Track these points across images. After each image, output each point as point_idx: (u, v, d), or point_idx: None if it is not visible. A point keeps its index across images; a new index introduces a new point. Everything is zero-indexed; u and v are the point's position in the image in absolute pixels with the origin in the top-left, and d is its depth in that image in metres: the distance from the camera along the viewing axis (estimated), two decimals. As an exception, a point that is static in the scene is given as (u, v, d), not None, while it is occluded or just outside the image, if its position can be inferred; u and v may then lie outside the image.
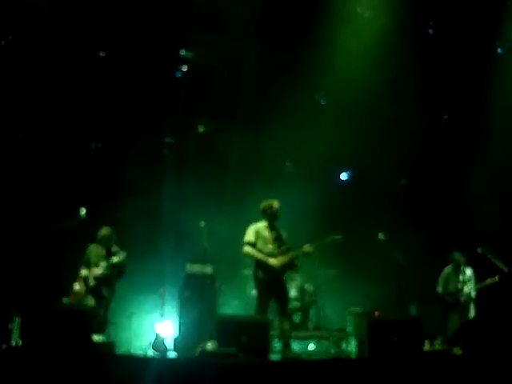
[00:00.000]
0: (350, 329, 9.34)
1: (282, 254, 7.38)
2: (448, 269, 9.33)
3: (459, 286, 9.11)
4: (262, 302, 7.35)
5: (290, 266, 7.48)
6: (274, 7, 9.69)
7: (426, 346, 8.18)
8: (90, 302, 7.94)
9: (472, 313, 9.10)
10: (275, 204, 7.55)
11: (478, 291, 9.11)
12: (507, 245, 9.64)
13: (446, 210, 11.16)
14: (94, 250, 8.32)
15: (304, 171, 11.57)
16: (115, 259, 8.18)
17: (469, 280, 9.16)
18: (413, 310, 9.34)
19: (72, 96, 10.02)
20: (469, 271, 9.22)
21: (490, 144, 10.78)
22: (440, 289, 9.24)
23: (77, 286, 7.93)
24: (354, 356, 8.75)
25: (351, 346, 9.13)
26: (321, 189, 11.27)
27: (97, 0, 9.31)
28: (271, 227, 7.54)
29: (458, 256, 9.21)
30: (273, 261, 7.29)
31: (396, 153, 11.29)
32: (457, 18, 10.24)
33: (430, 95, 11.04)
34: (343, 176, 12.60)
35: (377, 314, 8.94)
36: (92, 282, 8.04)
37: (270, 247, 7.41)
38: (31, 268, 7.73)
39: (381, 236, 8.64)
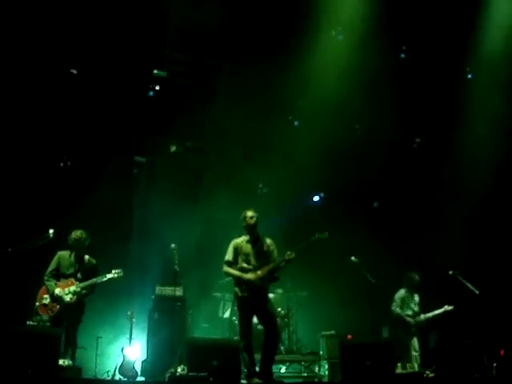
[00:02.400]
0: (322, 352, 9.25)
1: (260, 268, 6.99)
2: (404, 290, 9.18)
3: (416, 309, 9.07)
4: (244, 321, 6.96)
5: (269, 279, 7.09)
6: (248, 28, 9.71)
7: (399, 369, 8.16)
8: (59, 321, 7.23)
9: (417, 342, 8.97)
10: (248, 214, 7.14)
11: (431, 318, 9.04)
12: (474, 267, 9.68)
13: (417, 233, 11.21)
14: (66, 258, 7.63)
15: (277, 192, 11.54)
16: (109, 275, 7.56)
17: (418, 304, 9.14)
18: (385, 333, 9.29)
19: (42, 113, 9.87)
20: (417, 296, 9.20)
21: (459, 167, 10.94)
22: (398, 309, 9.01)
23: (47, 299, 7.32)
24: (326, 379, 8.66)
25: (324, 370, 9.04)
26: (293, 210, 11.25)
27: (70, 17, 9.17)
28: (252, 240, 7.15)
29: (413, 275, 9.14)
30: (249, 275, 6.92)
31: (368, 175, 11.37)
32: (428, 43, 10.41)
33: (402, 118, 11.15)
34: (315, 198, 12.63)
35: (349, 337, 8.86)
36: (70, 298, 7.32)
37: (252, 262, 7.04)
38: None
39: (353, 259, 8.61)
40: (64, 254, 7.68)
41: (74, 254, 7.67)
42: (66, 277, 7.53)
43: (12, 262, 7.15)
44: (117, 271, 7.65)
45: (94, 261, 7.77)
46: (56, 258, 7.64)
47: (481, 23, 10.43)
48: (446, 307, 8.98)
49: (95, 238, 7.95)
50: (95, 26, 9.41)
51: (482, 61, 10.67)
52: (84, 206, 9.89)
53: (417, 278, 9.14)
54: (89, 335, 8.72)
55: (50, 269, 7.57)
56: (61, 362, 6.48)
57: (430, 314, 9.03)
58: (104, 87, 10.05)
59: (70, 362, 7.02)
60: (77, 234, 7.65)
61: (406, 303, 9.09)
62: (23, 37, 9.25)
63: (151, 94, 10.75)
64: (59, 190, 10.07)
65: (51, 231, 7.29)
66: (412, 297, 9.16)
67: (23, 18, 9.03)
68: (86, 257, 7.74)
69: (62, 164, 10.64)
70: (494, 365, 7.49)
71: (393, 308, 9.05)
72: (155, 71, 10.56)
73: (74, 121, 10.13)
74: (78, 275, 7.55)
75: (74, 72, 9.94)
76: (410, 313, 9.02)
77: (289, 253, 7.04)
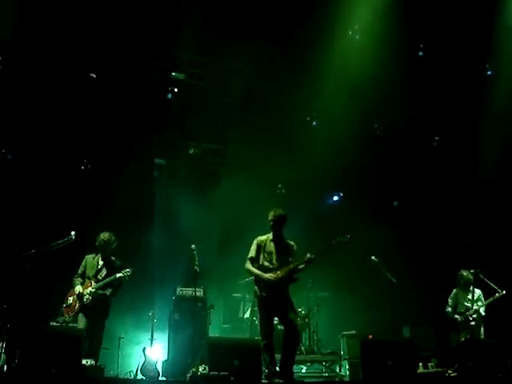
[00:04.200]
0: (343, 352, 9.24)
1: (280, 267, 6.91)
2: (457, 289, 9.18)
3: (469, 305, 8.95)
4: (264, 320, 6.88)
5: (288, 280, 6.96)
6: (265, 29, 9.72)
7: (420, 369, 8.11)
8: (81, 321, 7.34)
9: (482, 332, 8.90)
10: (275, 212, 7.03)
11: (488, 308, 8.91)
12: (497, 266, 9.58)
13: (438, 232, 11.13)
14: (90, 261, 7.74)
15: (296, 193, 11.56)
16: (118, 274, 7.56)
17: (479, 299, 9.02)
18: (406, 332, 9.23)
19: (62, 117, 10.00)
20: (478, 291, 9.08)
21: (481, 164, 10.85)
22: (449, 309, 9.08)
23: (70, 300, 7.47)
24: (347, 379, 8.64)
25: (344, 370, 9.02)
26: (313, 211, 11.25)
27: (89, 21, 9.27)
28: (276, 239, 7.07)
29: (466, 274, 9.05)
30: (268, 275, 6.84)
31: (388, 174, 11.33)
32: (447, 40, 10.32)
33: (421, 117, 11.08)
34: (334, 198, 12.63)
35: (370, 337, 8.81)
36: (87, 299, 7.42)
37: (274, 261, 6.99)
38: (19, 290, 7.52)
39: (373, 258, 8.57)
40: (89, 257, 7.80)
41: (99, 255, 7.77)
42: (90, 278, 7.63)
43: (36, 263, 7.25)
44: (126, 270, 7.65)
45: (118, 262, 7.83)
46: (84, 260, 7.78)
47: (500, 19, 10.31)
48: (497, 294, 8.82)
49: (117, 240, 8.02)
50: (115, 29, 9.49)
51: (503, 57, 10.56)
52: (105, 208, 10.01)
53: (468, 275, 9.03)
54: (111, 336, 8.83)
55: (78, 271, 7.72)
56: (84, 361, 6.55)
57: (476, 306, 8.89)
58: (123, 90, 10.13)
59: (93, 362, 7.09)
60: (105, 235, 7.77)
61: (459, 302, 9.09)
62: (45, 42, 9.37)
63: (170, 96, 10.80)
64: (81, 192, 10.20)
65: (73, 233, 7.34)
66: (466, 294, 9.05)
67: (46, 22, 9.14)
68: (113, 258, 7.83)
69: (82, 167, 10.76)
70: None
71: (446, 310, 9.12)
72: (173, 73, 10.62)
73: (94, 124, 10.25)
74: (99, 276, 7.62)
75: (94, 76, 10.02)
76: (462, 309, 8.97)
77: (308, 255, 6.96)
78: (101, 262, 7.74)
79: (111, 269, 7.71)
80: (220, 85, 10.82)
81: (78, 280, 7.63)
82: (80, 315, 7.41)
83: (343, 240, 7.19)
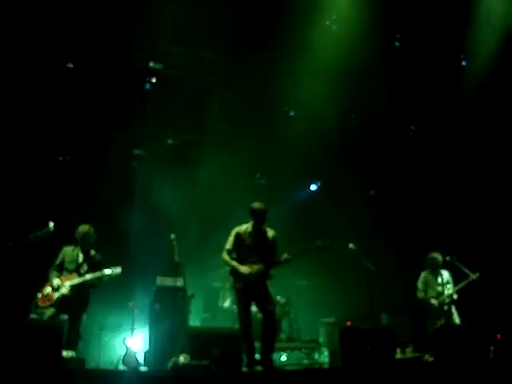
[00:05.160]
0: (322, 339, 9.36)
1: (260, 260, 6.99)
2: (425, 272, 9.12)
3: (439, 289, 8.91)
4: (241, 309, 6.99)
5: (264, 276, 7.03)
6: (242, 19, 9.71)
7: (398, 354, 8.26)
8: (49, 312, 7.22)
9: (456, 316, 8.90)
10: (256, 205, 7.10)
11: (459, 292, 8.86)
12: (471, 252, 9.74)
13: (413, 220, 11.29)
14: (69, 253, 7.63)
15: (274, 183, 11.62)
16: (108, 272, 7.54)
17: (447, 282, 8.95)
18: (384, 319, 9.37)
19: (40, 108, 9.88)
20: (446, 273, 9.03)
21: (454, 153, 11.03)
22: (422, 294, 8.97)
23: (47, 291, 7.32)
24: (327, 366, 8.76)
25: (324, 357, 9.15)
26: (290, 200, 11.33)
27: (65, 10, 9.18)
28: (256, 230, 7.13)
29: (436, 255, 8.98)
30: (244, 269, 6.94)
31: (365, 163, 11.45)
32: (423, 30, 10.42)
33: (397, 106, 11.20)
34: (312, 187, 12.71)
35: (348, 323, 8.95)
36: (67, 291, 7.37)
37: (252, 253, 7.03)
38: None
39: (351, 246, 8.68)
40: (68, 249, 7.70)
41: (78, 248, 7.69)
42: (70, 271, 7.55)
43: (14, 256, 7.21)
44: (115, 268, 7.66)
45: (98, 256, 7.78)
46: (61, 252, 7.67)
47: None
48: (471, 276, 8.69)
49: (96, 231, 8.00)
50: (91, 19, 9.40)
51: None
52: (84, 199, 9.98)
53: (439, 257, 8.96)
54: (91, 327, 8.85)
55: (55, 263, 7.61)
56: (64, 353, 6.56)
57: (452, 290, 8.84)
58: (100, 81, 10.06)
59: (74, 354, 7.10)
60: (85, 228, 7.69)
61: (429, 286, 8.97)
62: (20, 32, 9.24)
63: (148, 86, 10.75)
64: (59, 184, 10.12)
65: (51, 224, 7.31)
66: (435, 277, 9.00)
67: (20, 14, 9.03)
68: (93, 252, 7.76)
69: (60, 158, 10.67)
70: (492, 348, 7.59)
71: (417, 295, 9.00)
72: (151, 64, 10.56)
73: (72, 115, 10.15)
74: (81, 270, 7.57)
75: (71, 66, 9.93)
76: (434, 294, 8.90)
77: (286, 255, 7.04)
78: (81, 255, 7.66)
79: (92, 263, 7.65)
80: (198, 75, 10.80)
81: (55, 273, 7.52)
82: (51, 307, 7.30)
83: (323, 246, 7.21)
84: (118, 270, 7.68)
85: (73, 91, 10.00)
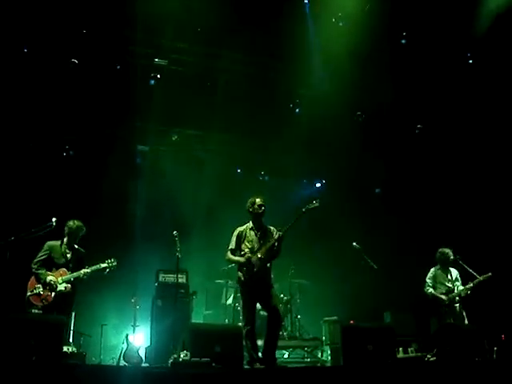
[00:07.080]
0: (324, 337, 9.33)
1: (259, 249, 6.93)
2: (435, 268, 8.84)
3: (450, 286, 8.63)
4: (247, 306, 6.93)
5: (269, 259, 6.92)
6: (249, 16, 9.68)
7: (400, 353, 8.23)
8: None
9: (464, 314, 8.59)
10: (258, 200, 7.04)
11: (471, 290, 8.53)
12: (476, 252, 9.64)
13: (418, 218, 11.23)
14: (57, 249, 7.42)
15: (278, 180, 11.58)
16: (104, 265, 7.47)
17: (456, 280, 8.74)
18: (387, 318, 9.32)
19: (45, 104, 9.89)
20: (455, 271, 8.80)
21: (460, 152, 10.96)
22: (431, 290, 8.65)
23: (39, 288, 7.11)
24: (329, 364, 8.73)
25: (326, 355, 9.12)
26: (295, 197, 11.28)
27: (70, 7, 9.17)
28: (257, 227, 7.09)
29: (447, 251, 8.73)
30: (249, 255, 6.91)
31: (370, 161, 11.39)
32: (430, 28, 10.34)
33: (403, 105, 11.13)
34: (317, 185, 12.68)
35: (351, 322, 8.90)
36: (65, 287, 7.18)
37: (255, 249, 6.96)
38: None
39: (355, 244, 8.63)
40: (54, 244, 7.49)
41: (66, 243, 7.54)
42: (58, 267, 7.36)
43: (16, 251, 7.16)
44: (110, 261, 7.58)
45: (82, 250, 7.63)
46: (46, 247, 7.43)
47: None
48: (482, 277, 8.42)
49: (100, 227, 7.99)
50: (97, 15, 9.40)
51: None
52: (88, 195, 9.98)
53: (450, 253, 8.72)
54: (93, 322, 8.85)
55: (38, 258, 7.36)
56: (65, 348, 6.55)
57: (461, 288, 8.59)
58: (106, 77, 10.05)
59: (75, 349, 7.09)
60: (74, 222, 7.57)
61: (438, 281, 8.71)
62: (25, 27, 9.25)
63: (152, 82, 10.73)
64: (63, 179, 10.12)
65: (54, 220, 7.26)
66: (445, 274, 8.73)
67: (24, 7, 9.03)
68: (76, 246, 7.60)
69: (64, 154, 10.68)
70: (495, 349, 7.54)
71: (425, 290, 8.72)
72: (156, 60, 10.54)
73: (77, 111, 10.15)
74: (70, 265, 7.43)
75: (76, 62, 9.91)
76: (443, 290, 8.62)
77: (279, 233, 6.93)
78: (69, 251, 7.51)
79: (78, 257, 7.51)
80: (203, 71, 10.77)
81: (43, 269, 7.29)
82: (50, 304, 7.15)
83: (312, 206, 7.07)
84: (114, 263, 7.62)
85: (77, 87, 9.99)
